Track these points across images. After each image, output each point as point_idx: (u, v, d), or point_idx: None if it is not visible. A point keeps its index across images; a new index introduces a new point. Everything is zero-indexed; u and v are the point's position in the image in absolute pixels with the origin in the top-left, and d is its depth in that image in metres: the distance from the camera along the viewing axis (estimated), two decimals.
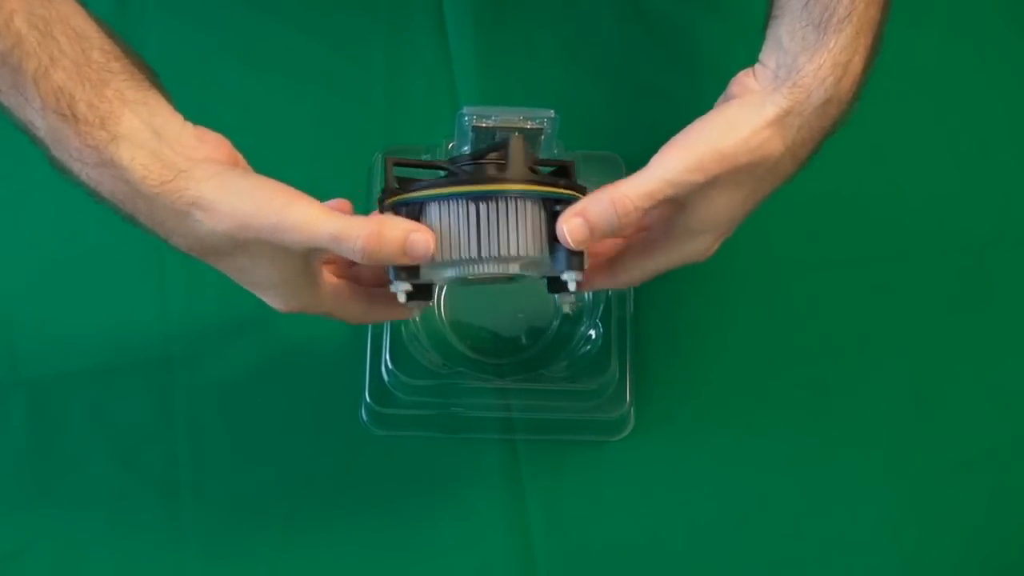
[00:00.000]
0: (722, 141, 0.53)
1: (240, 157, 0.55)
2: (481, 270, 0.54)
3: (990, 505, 0.69)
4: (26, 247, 0.72)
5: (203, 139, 0.52)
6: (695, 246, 0.58)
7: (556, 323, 0.70)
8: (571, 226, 0.53)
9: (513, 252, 0.54)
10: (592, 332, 0.68)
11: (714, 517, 0.68)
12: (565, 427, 0.68)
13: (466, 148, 0.60)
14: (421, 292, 0.58)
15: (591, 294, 0.70)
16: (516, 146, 0.54)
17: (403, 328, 0.68)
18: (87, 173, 0.50)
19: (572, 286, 0.55)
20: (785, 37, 0.54)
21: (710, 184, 0.53)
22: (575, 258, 0.54)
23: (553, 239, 0.54)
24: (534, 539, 0.67)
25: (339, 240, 0.51)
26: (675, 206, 0.55)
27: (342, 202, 0.56)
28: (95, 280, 0.71)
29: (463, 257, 0.54)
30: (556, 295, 0.64)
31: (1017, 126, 0.78)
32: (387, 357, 0.67)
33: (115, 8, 0.75)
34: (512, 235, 0.54)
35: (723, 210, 0.56)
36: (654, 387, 0.69)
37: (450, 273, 0.55)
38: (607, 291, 0.69)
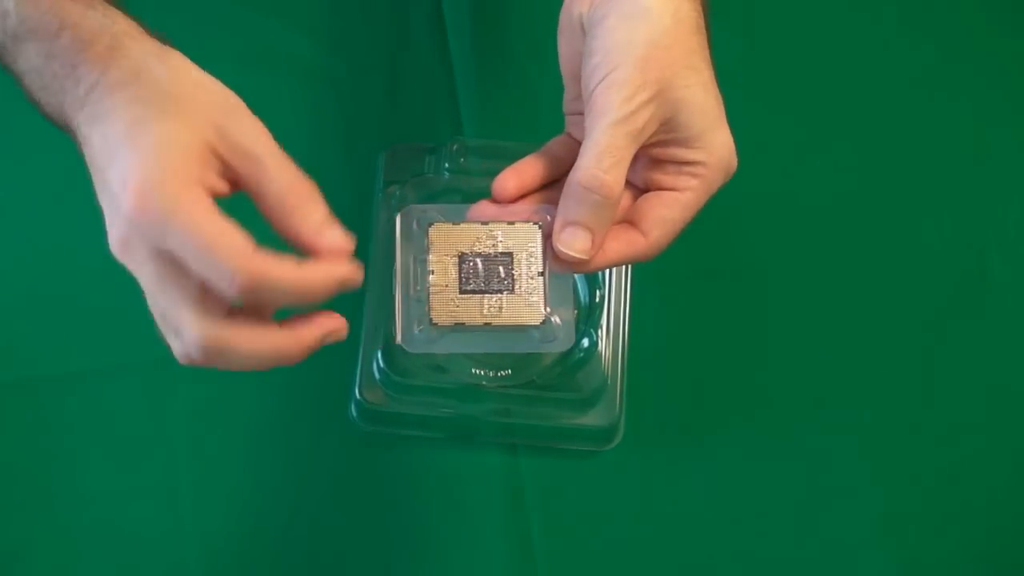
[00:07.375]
0: (635, 35, 0.45)
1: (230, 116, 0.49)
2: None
3: (990, 505, 0.69)
4: (26, 247, 0.72)
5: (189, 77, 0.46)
6: (717, 145, 0.47)
7: None
8: (565, 239, 0.48)
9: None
10: (586, 340, 0.68)
11: (712, 519, 0.68)
12: (557, 433, 0.68)
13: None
14: None
15: (586, 302, 0.70)
16: None
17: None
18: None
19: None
20: None
21: (666, 84, 0.45)
22: None
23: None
24: (534, 540, 0.67)
25: (209, 250, 0.40)
26: (663, 127, 0.47)
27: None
28: (95, 280, 0.71)
29: None
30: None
31: (1017, 126, 0.78)
32: (379, 355, 0.67)
33: None
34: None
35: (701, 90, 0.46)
36: (646, 395, 0.69)
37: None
38: (603, 299, 0.69)
